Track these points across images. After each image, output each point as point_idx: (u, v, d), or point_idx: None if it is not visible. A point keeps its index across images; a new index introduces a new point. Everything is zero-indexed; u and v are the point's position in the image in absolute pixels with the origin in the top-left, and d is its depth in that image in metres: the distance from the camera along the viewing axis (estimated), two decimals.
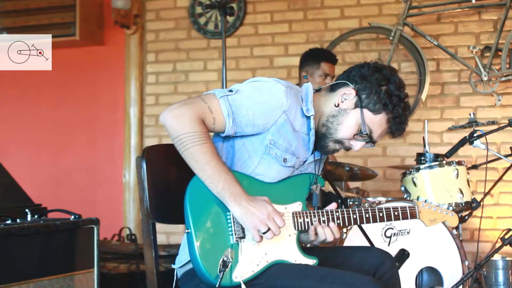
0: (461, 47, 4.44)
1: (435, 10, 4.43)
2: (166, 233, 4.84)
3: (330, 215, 1.99)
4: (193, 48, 5.00)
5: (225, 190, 1.83)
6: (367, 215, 2.02)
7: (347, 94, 2.00)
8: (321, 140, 2.04)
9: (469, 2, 4.31)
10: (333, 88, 2.06)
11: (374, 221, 2.03)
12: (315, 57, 3.71)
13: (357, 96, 1.99)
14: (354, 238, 2.94)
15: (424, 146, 3.50)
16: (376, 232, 2.99)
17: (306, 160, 2.07)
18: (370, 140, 2.01)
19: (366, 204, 3.16)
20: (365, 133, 1.98)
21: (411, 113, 4.36)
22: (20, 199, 2.98)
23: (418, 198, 3.21)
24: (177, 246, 4.29)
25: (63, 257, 2.50)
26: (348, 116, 2.00)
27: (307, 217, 1.97)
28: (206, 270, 1.81)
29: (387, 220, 2.06)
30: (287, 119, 1.96)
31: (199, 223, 1.85)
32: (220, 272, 1.79)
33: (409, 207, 2.10)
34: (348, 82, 2.01)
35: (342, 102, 2.01)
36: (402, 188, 3.41)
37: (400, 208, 2.08)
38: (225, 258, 1.79)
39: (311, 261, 1.98)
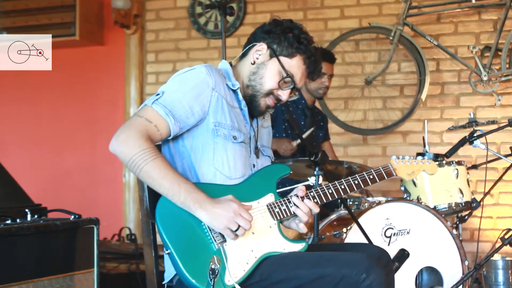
0: (461, 47, 4.44)
1: (435, 10, 4.43)
2: None
3: (305, 197, 2.00)
4: (193, 48, 5.00)
5: (187, 199, 1.85)
6: (342, 187, 2.04)
7: (259, 50, 2.09)
8: (252, 102, 2.09)
9: (469, 2, 4.31)
10: (244, 54, 2.15)
11: (351, 190, 2.04)
12: None
13: (269, 49, 2.08)
14: (353, 238, 2.94)
15: (424, 146, 3.49)
16: (376, 232, 2.99)
17: (250, 136, 2.11)
18: (294, 85, 2.07)
19: (366, 204, 3.16)
20: (288, 76, 2.05)
21: (411, 112, 4.36)
22: (20, 199, 2.98)
23: (418, 198, 3.24)
24: None
25: (63, 257, 2.50)
26: (267, 67, 2.07)
27: (282, 205, 1.99)
28: (197, 284, 1.81)
29: (364, 186, 2.05)
30: (219, 95, 2.02)
31: (177, 241, 1.85)
32: (210, 280, 1.78)
33: (383, 168, 2.11)
34: (255, 43, 2.10)
35: (257, 58, 2.09)
36: (402, 188, 3.41)
37: (374, 170, 2.09)
38: (213, 266, 1.79)
39: (300, 245, 1.98)
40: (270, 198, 2.00)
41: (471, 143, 3.31)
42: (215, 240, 1.87)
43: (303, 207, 1.98)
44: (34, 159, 5.23)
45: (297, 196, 2.00)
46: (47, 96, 5.27)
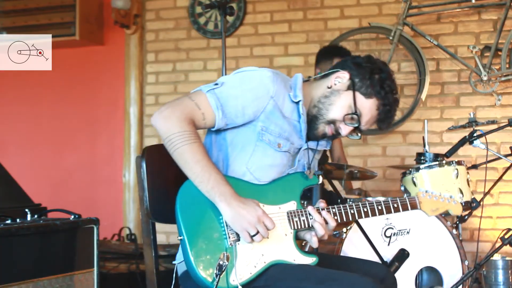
0: (461, 47, 4.44)
1: (435, 10, 4.43)
2: (166, 233, 4.84)
3: (326, 210, 1.98)
4: (193, 48, 4.99)
5: (214, 189, 1.83)
6: (365, 209, 2.01)
7: (341, 77, 2.04)
8: (312, 123, 2.04)
9: (469, 2, 4.31)
10: (326, 75, 2.09)
11: (373, 214, 2.01)
12: (327, 53, 3.75)
13: (351, 80, 2.02)
14: (354, 238, 2.94)
15: (424, 146, 3.49)
16: (376, 232, 2.99)
17: (301, 147, 2.07)
18: (359, 125, 2.02)
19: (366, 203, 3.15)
20: (356, 114, 1.99)
21: (411, 112, 4.36)
22: (20, 199, 2.98)
23: None
24: (177, 246, 4.29)
25: (63, 257, 2.50)
26: (340, 97, 2.02)
27: (302, 215, 1.96)
28: (201, 276, 1.81)
29: (386, 213, 2.03)
30: (276, 105, 1.97)
31: (191, 229, 1.84)
32: (216, 276, 1.77)
33: (409, 199, 2.08)
34: (340, 70, 2.05)
35: (335, 84, 2.04)
36: (402, 188, 3.41)
37: (400, 200, 2.06)
38: (221, 262, 1.77)
39: (311, 259, 1.96)
40: (292, 205, 1.98)
41: (471, 143, 3.31)
42: (229, 237, 1.86)
43: (318, 218, 1.95)
44: (34, 159, 5.23)
45: (316, 208, 1.97)
46: (47, 96, 5.27)
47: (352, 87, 2.01)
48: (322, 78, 2.09)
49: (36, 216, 2.60)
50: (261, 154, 1.97)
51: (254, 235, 1.83)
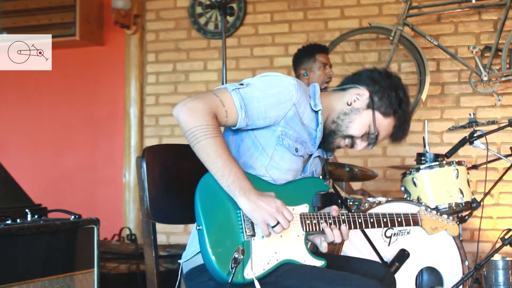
0: (461, 47, 4.44)
1: (435, 10, 4.43)
2: (166, 233, 4.84)
3: (336, 217, 2.02)
4: (193, 48, 5.00)
5: (235, 184, 1.84)
6: (371, 220, 2.07)
7: (360, 95, 2.06)
8: (328, 136, 2.08)
9: (469, 2, 4.31)
10: (343, 88, 2.12)
11: (379, 226, 2.08)
12: (309, 52, 3.76)
13: (370, 98, 2.05)
14: (354, 238, 2.94)
15: (424, 146, 3.49)
16: (376, 232, 2.99)
17: (312, 154, 2.10)
18: (375, 141, 2.08)
19: (366, 204, 3.16)
20: (374, 134, 2.05)
21: (412, 113, 4.36)
22: (20, 199, 2.98)
23: (418, 198, 3.24)
24: (177, 246, 4.31)
25: (63, 257, 2.50)
26: (361, 115, 2.06)
27: (314, 219, 1.99)
28: (218, 267, 1.82)
29: (391, 226, 2.11)
30: (296, 112, 1.99)
31: (210, 220, 1.86)
32: (232, 268, 1.79)
33: (411, 215, 2.15)
34: (358, 85, 2.07)
35: (355, 101, 2.06)
36: (402, 188, 3.41)
37: (403, 215, 2.13)
38: (236, 255, 1.80)
39: (320, 262, 2.00)
40: (304, 208, 2.01)
41: (471, 143, 3.31)
42: (245, 232, 1.88)
43: (336, 234, 1.99)
44: (34, 159, 5.24)
45: (333, 220, 2.01)
46: (47, 96, 5.27)
47: (371, 106, 2.05)
48: (340, 90, 2.12)
49: (36, 216, 2.60)
50: (279, 158, 2.00)
51: (274, 226, 1.85)
